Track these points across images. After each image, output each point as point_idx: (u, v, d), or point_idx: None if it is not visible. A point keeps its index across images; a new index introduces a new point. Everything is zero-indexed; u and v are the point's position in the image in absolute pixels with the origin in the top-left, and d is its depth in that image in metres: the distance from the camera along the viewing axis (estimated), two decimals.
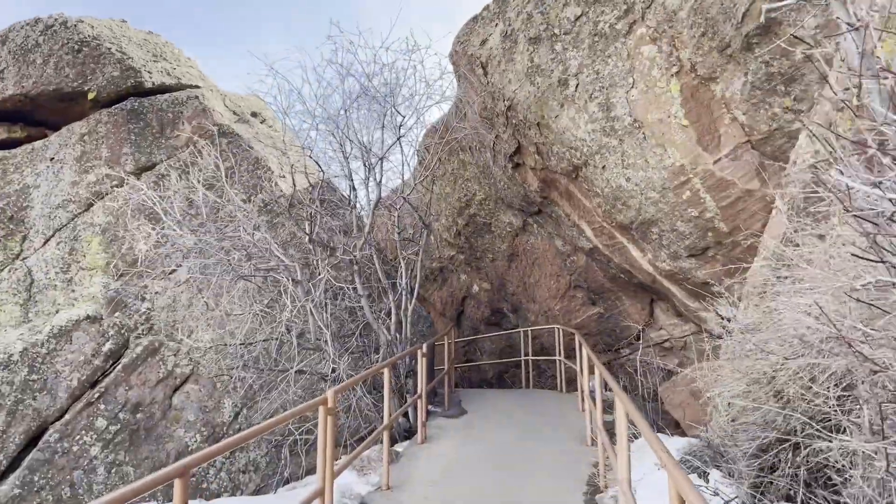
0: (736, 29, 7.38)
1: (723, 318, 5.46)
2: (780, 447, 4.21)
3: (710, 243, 8.45)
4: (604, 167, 8.99)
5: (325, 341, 7.93)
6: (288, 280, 7.67)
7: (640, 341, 12.36)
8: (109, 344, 9.71)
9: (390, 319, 9.62)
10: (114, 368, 9.66)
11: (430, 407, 10.05)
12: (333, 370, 8.06)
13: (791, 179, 5.63)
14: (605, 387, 12.59)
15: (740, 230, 8.15)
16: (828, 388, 3.74)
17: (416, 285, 9.94)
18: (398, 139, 8.71)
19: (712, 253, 8.54)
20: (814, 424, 3.82)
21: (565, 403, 10.49)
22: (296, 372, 8.31)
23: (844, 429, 3.62)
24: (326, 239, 8.39)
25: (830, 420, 3.78)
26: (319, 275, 7.89)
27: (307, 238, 8.15)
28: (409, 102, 9.74)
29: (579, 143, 9.12)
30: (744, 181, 7.89)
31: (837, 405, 3.65)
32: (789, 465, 4.08)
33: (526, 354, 13.32)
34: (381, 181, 8.78)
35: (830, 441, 3.57)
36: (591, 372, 13.06)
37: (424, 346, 8.23)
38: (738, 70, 7.64)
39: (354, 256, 8.12)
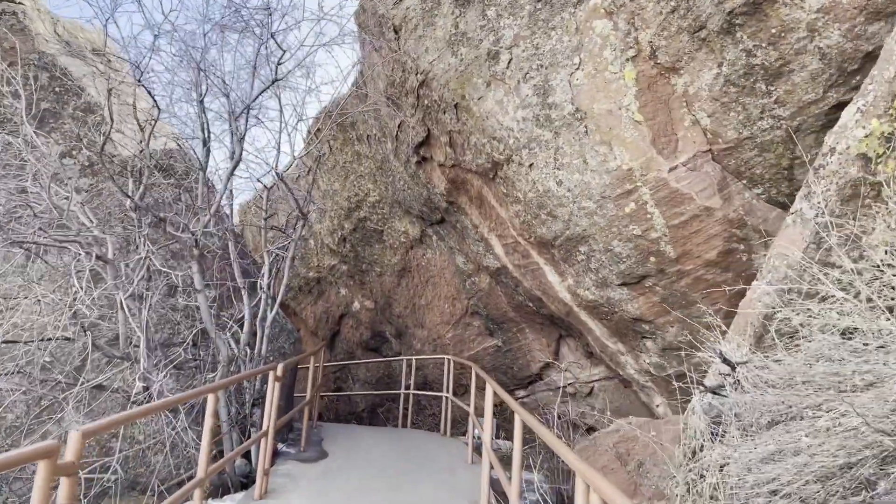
0: (717, 5, 5.96)
1: (727, 363, 3.75)
2: None
3: (650, 270, 6.92)
4: (531, 165, 7.32)
5: (140, 345, 5.61)
6: (90, 257, 5.32)
7: (540, 383, 10.74)
8: None
9: (242, 330, 7.39)
10: None
11: (281, 446, 7.83)
12: (146, 388, 5.72)
13: (827, 173, 4.10)
14: (498, 435, 10.85)
15: (689, 257, 6.68)
16: None
17: (282, 289, 7.79)
18: (274, 81, 6.60)
19: (651, 283, 7.02)
20: None
21: (450, 451, 8.59)
22: (94, 388, 5.89)
23: None
24: (156, 210, 6.07)
25: None
26: (140, 255, 5.61)
27: (128, 202, 5.81)
28: (293, 34, 7.72)
29: (505, 134, 7.41)
30: (703, 197, 6.43)
31: None
32: None
33: (407, 387, 11.36)
34: (243, 137, 6.63)
35: None
36: (480, 415, 11.26)
37: (280, 366, 6.09)
38: (711, 59, 6.22)
39: (195, 237, 5.90)
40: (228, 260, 7.63)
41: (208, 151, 6.35)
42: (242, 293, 7.51)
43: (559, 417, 10.21)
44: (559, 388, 10.38)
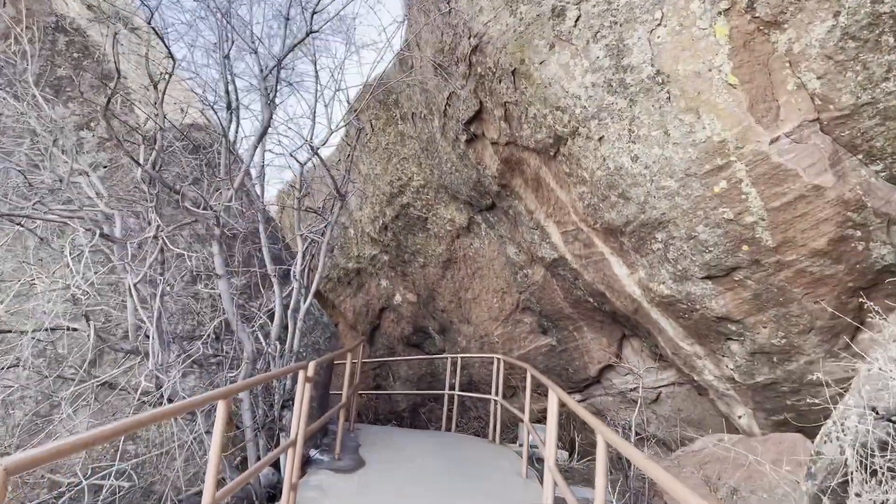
0: None
1: None
2: None
3: (741, 261, 5.91)
4: (601, 139, 6.36)
5: (150, 337, 4.86)
6: (93, 234, 4.59)
7: (598, 386, 9.76)
8: None
9: (272, 323, 6.64)
10: None
11: (314, 452, 7.06)
12: (158, 386, 4.98)
13: None
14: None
15: (792, 246, 5.64)
16: None
17: (317, 278, 7.00)
18: (308, 34, 5.75)
19: (742, 275, 6.00)
20: None
21: (501, 462, 7.70)
22: (101, 385, 5.18)
23: None
24: (174, 183, 5.29)
25: None
26: (151, 233, 4.85)
27: (138, 171, 5.04)
28: None
29: (570, 103, 6.47)
30: (811, 173, 5.39)
31: None
32: None
33: (451, 387, 10.51)
34: (273, 98, 5.83)
35: None
36: (535, 421, 10.32)
37: (311, 365, 5.29)
38: (825, 9, 5.17)
39: (216, 214, 5.13)
40: (259, 244, 6.87)
41: (233, 116, 5.56)
42: (273, 282, 6.75)
43: (624, 428, 9.23)
44: (620, 392, 9.39)
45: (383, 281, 12.50)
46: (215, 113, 5.82)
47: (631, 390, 9.24)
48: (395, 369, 13.24)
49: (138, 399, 4.95)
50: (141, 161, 5.07)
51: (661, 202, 6.11)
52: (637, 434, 9.30)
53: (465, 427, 11.61)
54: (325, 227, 6.97)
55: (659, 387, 8.78)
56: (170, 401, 5.18)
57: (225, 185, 5.32)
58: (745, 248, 5.84)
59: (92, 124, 6.94)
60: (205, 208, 5.19)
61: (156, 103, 4.94)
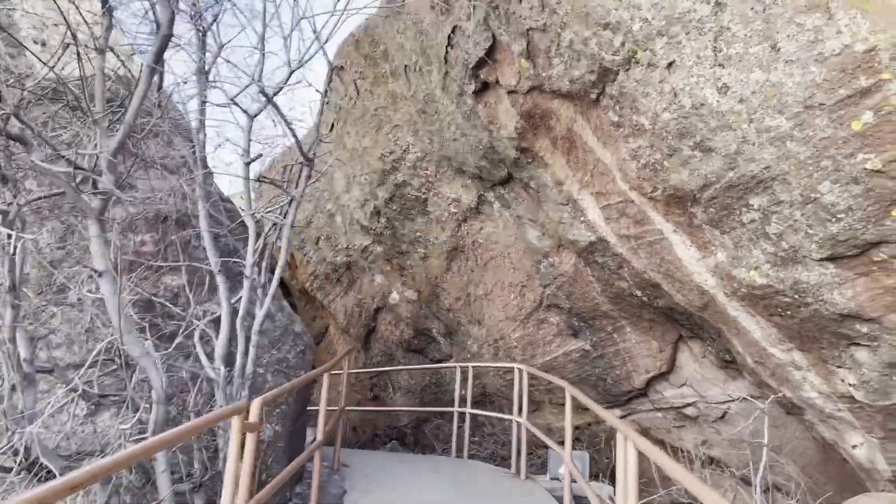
0: None
1: None
2: None
3: (889, 233, 4.03)
4: (670, 65, 4.49)
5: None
6: None
7: (644, 400, 7.89)
8: None
9: (217, 336, 4.81)
10: None
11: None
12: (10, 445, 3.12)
13: None
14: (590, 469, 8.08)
15: None
16: None
17: (278, 274, 5.15)
18: None
19: (885, 254, 4.13)
20: None
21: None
22: None
23: None
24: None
25: None
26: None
27: None
28: None
29: (624, 17, 4.59)
30: None
31: None
32: None
33: (461, 401, 8.65)
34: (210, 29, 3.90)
35: None
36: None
37: (253, 406, 3.44)
38: None
39: (85, 172, 3.25)
40: (198, 229, 5.03)
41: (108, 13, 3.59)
42: (218, 280, 4.90)
43: (679, 451, 7.39)
44: (674, 408, 7.53)
45: (377, 276, 10.62)
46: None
47: (686, 405, 7.38)
48: (395, 378, 11.38)
49: None
50: None
51: (764, 151, 4.23)
52: (687, 454, 7.45)
53: (479, 448, 9.76)
54: (289, 203, 5.09)
55: (726, 402, 6.92)
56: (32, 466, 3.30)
57: (101, 125, 3.45)
58: (894, 213, 3.96)
59: None
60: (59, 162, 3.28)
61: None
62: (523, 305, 8.38)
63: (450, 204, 8.62)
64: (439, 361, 10.43)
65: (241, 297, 4.99)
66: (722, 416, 7.01)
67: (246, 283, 4.81)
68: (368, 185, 9.45)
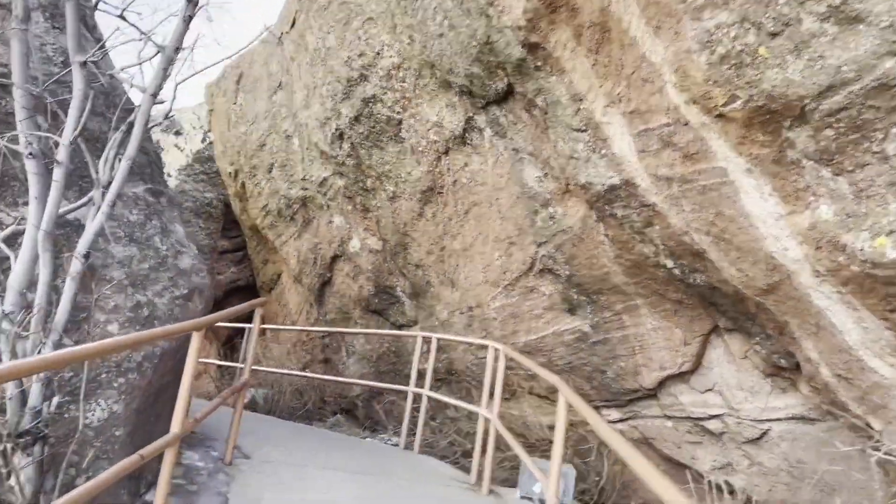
0: None
1: None
2: None
3: None
4: None
5: None
6: None
7: (651, 402, 6.10)
8: None
9: (15, 258, 2.91)
10: None
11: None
12: None
13: None
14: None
15: None
16: None
17: (124, 169, 3.25)
18: None
19: None
20: None
21: None
22: None
23: None
24: None
25: None
26: None
27: None
28: None
29: None
30: None
31: None
32: None
33: (420, 382, 6.86)
34: None
35: None
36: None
37: None
38: None
39: None
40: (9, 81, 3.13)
41: None
42: (29, 169, 3.02)
43: (698, 475, 5.62)
44: (691, 418, 5.75)
45: (336, 217, 8.70)
46: None
47: (712, 416, 5.60)
48: (350, 341, 9.57)
49: None
50: None
51: None
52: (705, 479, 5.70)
53: (438, 434, 7.99)
54: (154, 58, 3.16)
55: (768, 420, 5.15)
56: None
57: None
58: None
59: None
60: None
61: None
62: (509, 267, 6.52)
63: (429, 129, 6.69)
64: (401, 327, 8.61)
65: (70, 204, 3.10)
66: (759, 438, 5.25)
67: (57, 172, 2.91)
68: (331, 99, 7.49)
